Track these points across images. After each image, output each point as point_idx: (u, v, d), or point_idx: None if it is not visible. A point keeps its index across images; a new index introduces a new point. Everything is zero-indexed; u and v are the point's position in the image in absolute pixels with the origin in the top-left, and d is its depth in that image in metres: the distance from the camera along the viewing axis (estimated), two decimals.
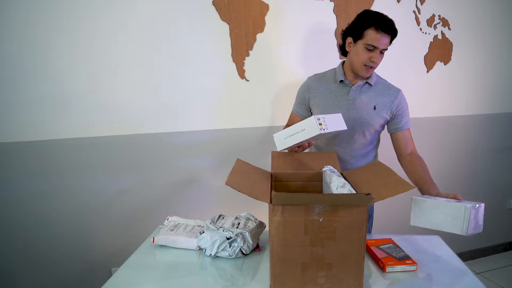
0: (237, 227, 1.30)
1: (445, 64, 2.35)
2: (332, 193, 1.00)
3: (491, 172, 2.71)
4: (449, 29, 2.29)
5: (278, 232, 1.02)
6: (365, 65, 1.44)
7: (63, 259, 1.79)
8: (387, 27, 1.37)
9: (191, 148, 1.90)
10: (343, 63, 1.56)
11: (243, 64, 1.88)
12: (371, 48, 1.40)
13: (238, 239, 1.24)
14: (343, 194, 0.99)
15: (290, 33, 1.94)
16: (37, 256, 1.75)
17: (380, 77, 1.59)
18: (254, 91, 1.93)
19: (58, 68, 1.63)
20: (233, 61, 1.87)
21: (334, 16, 2.01)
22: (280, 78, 1.97)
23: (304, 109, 1.63)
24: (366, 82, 1.52)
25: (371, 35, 1.38)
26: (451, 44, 2.33)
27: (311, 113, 1.62)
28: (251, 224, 1.34)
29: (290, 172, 1.38)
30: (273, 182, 1.36)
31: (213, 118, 1.90)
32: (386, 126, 1.59)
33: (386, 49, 1.42)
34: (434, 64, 2.32)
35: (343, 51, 1.54)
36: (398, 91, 1.54)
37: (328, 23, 2.01)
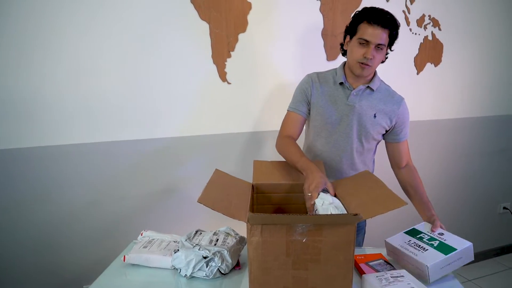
0: (215, 244, 1.21)
1: (435, 66, 2.29)
2: (315, 214, 0.91)
3: (482, 176, 2.67)
4: (440, 29, 2.24)
5: (257, 254, 0.93)
6: (359, 62, 1.33)
7: (33, 274, 1.67)
8: (380, 19, 1.27)
9: (169, 155, 1.79)
10: (344, 64, 1.46)
11: (224, 66, 1.78)
12: (364, 43, 1.30)
13: (216, 258, 1.14)
14: (327, 215, 0.90)
15: (273, 33, 1.85)
16: (6, 270, 1.63)
17: (384, 82, 1.48)
18: (236, 94, 1.84)
19: (22, 72, 1.51)
20: (214, 62, 1.76)
21: (321, 16, 1.92)
22: (263, 81, 1.88)
23: (306, 108, 1.47)
24: (368, 87, 1.41)
25: (363, 29, 1.30)
26: (441, 45, 2.27)
27: (309, 112, 1.49)
28: (231, 241, 1.24)
29: (273, 183, 1.29)
30: (255, 194, 1.28)
31: (193, 123, 1.80)
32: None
33: (384, 45, 1.31)
34: (424, 66, 2.26)
35: (344, 51, 1.45)
36: (401, 100, 1.45)
37: (314, 23, 1.92)
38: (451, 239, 1.17)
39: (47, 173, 1.62)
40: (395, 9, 2.08)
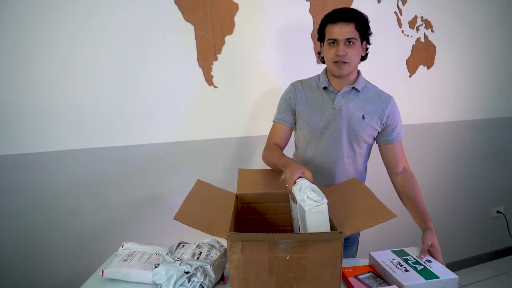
0: (198, 258, 1.15)
1: (428, 68, 2.26)
2: (299, 233, 0.86)
3: (476, 179, 2.64)
4: (432, 31, 2.20)
5: (238, 272, 0.88)
6: (334, 62, 1.32)
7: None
8: (341, 16, 1.28)
9: (153, 162, 1.73)
10: (326, 69, 1.43)
11: (210, 69, 1.72)
12: (333, 42, 1.30)
13: (198, 274, 1.09)
14: (311, 233, 0.85)
15: (262, 35, 1.80)
16: None
17: (369, 82, 1.45)
18: (223, 98, 1.78)
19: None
20: (200, 66, 1.70)
21: (311, 17, 1.87)
22: (251, 84, 1.83)
23: (291, 117, 1.46)
24: (353, 88, 1.38)
25: (329, 30, 1.31)
26: (434, 47, 2.24)
27: (296, 121, 1.47)
28: (214, 254, 1.18)
29: (258, 192, 1.24)
30: (239, 204, 1.23)
31: (178, 129, 1.74)
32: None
33: (354, 39, 1.29)
34: (417, 68, 2.22)
35: (322, 58, 1.43)
36: (389, 98, 1.41)
37: (304, 25, 1.87)
38: (437, 267, 1.12)
39: (25, 182, 1.55)
40: (387, 10, 2.04)
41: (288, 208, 1.23)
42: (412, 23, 2.13)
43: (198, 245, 1.24)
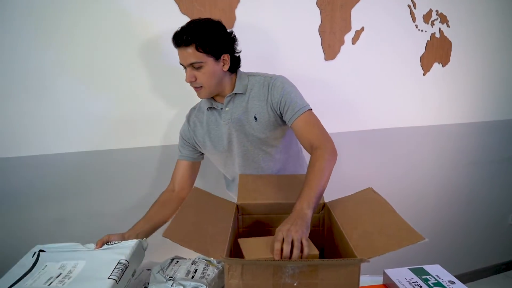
0: (193, 276, 1.03)
1: (443, 66, 2.12)
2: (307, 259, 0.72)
3: (492, 184, 2.50)
4: (448, 26, 2.06)
5: None
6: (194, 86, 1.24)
7: None
8: (179, 40, 1.16)
9: (146, 167, 1.62)
10: None
11: None
12: (184, 68, 1.22)
13: None
14: (324, 259, 0.71)
15: (265, 30, 1.67)
16: None
17: (254, 76, 1.30)
18: None
19: None
20: None
21: (318, 10, 1.74)
22: None
23: (191, 151, 1.40)
24: (235, 94, 1.27)
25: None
26: (450, 43, 2.09)
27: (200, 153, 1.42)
28: (211, 272, 1.05)
29: (261, 202, 1.12)
30: (240, 216, 1.11)
31: (175, 131, 1.60)
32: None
33: (199, 62, 1.17)
34: (431, 66, 2.08)
35: None
36: (268, 83, 1.25)
37: (311, 19, 1.74)
38: None
39: (5, 187, 1.43)
40: (400, 4, 1.90)
41: None
42: (426, 17, 1.99)
43: (194, 261, 1.11)
